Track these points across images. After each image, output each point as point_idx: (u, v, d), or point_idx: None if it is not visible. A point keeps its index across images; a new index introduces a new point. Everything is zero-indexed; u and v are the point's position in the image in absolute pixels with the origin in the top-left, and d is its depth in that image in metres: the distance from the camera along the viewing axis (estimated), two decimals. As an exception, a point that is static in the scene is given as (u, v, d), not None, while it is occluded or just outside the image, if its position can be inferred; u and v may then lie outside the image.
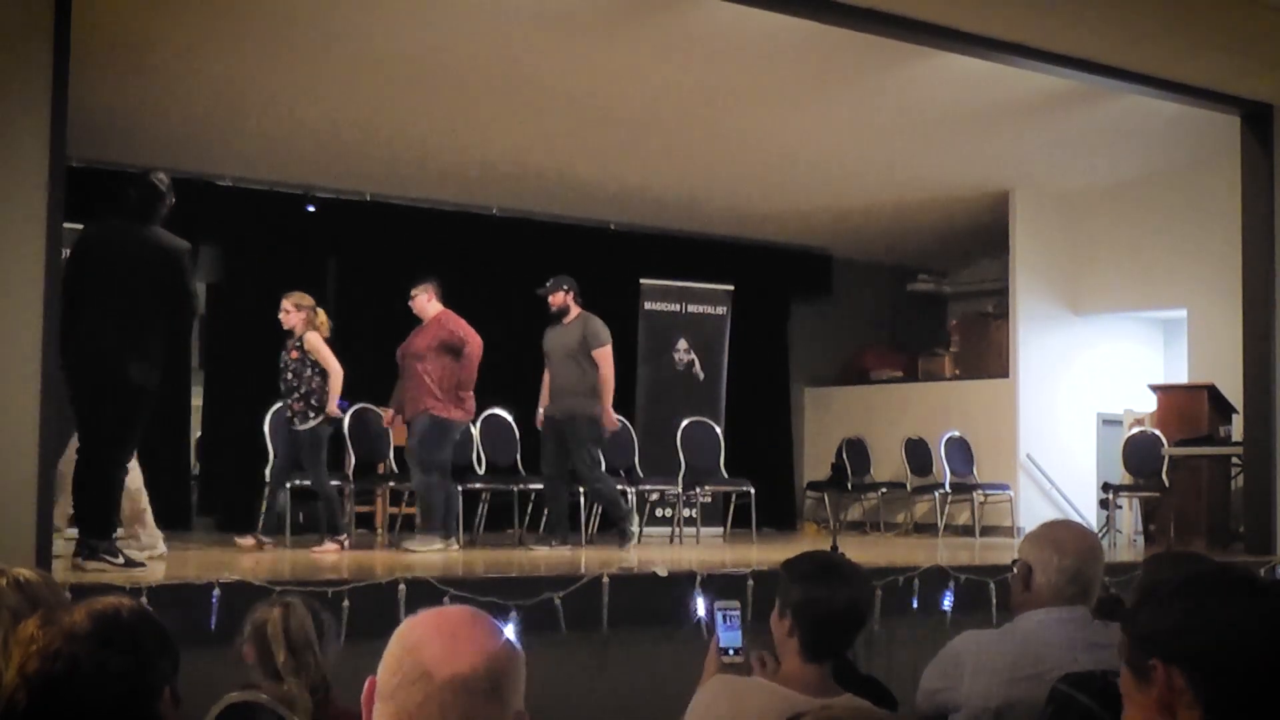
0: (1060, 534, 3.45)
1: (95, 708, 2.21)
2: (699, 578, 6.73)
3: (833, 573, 3.28)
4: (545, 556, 8.37)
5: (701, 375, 12.02)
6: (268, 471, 9.13)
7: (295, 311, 8.82)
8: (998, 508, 12.42)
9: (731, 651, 3.37)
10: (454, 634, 1.86)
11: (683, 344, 12.00)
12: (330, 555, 8.22)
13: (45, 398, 6.18)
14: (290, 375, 8.71)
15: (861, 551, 7.80)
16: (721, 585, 6.64)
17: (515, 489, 9.75)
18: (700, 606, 6.60)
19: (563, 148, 10.99)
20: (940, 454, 12.66)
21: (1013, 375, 12.81)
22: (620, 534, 9.34)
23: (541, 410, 9.45)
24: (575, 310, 9.43)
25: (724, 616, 3.41)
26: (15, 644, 2.31)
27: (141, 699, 2.23)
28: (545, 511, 9.63)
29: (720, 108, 10.25)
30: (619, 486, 9.77)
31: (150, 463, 9.33)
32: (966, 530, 12.49)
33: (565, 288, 9.42)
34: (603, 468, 9.43)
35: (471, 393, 9.01)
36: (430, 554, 8.29)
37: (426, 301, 9.14)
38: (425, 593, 5.96)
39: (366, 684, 1.88)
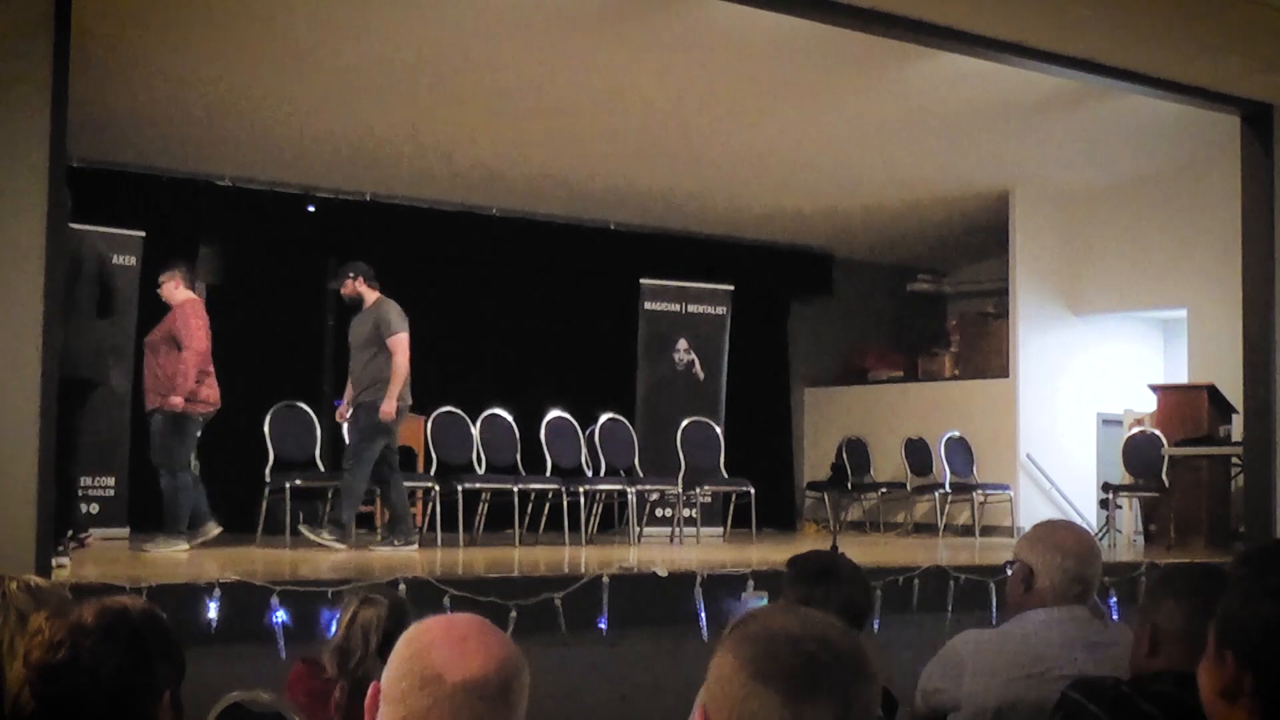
0: (1060, 535, 3.44)
1: (91, 699, 2.22)
2: (699, 578, 6.73)
3: (831, 574, 3.29)
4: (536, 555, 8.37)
5: (701, 375, 12.02)
6: (268, 471, 9.13)
7: None
8: (998, 508, 12.42)
9: None
10: (464, 639, 1.87)
11: (683, 344, 12.00)
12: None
13: (45, 398, 6.17)
14: None
15: (861, 551, 7.80)
16: (723, 586, 6.65)
17: (515, 489, 9.75)
18: (702, 619, 6.59)
19: (563, 148, 10.99)
20: (940, 454, 12.66)
21: (1013, 375, 12.81)
22: (333, 526, 8.76)
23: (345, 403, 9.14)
24: (372, 296, 9.01)
25: (749, 608, 3.42)
26: (23, 636, 2.33)
27: (138, 698, 2.23)
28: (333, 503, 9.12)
29: (720, 108, 10.25)
30: (629, 488, 9.68)
31: (150, 463, 9.35)
32: (966, 530, 12.49)
33: (352, 275, 8.99)
34: (364, 466, 8.80)
35: (205, 384, 8.57)
36: (174, 554, 8.12)
37: (174, 289, 8.67)
38: (425, 593, 5.97)
39: (370, 690, 1.88)
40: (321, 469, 9.50)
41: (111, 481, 9.51)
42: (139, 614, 2.32)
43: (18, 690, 2.34)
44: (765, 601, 3.46)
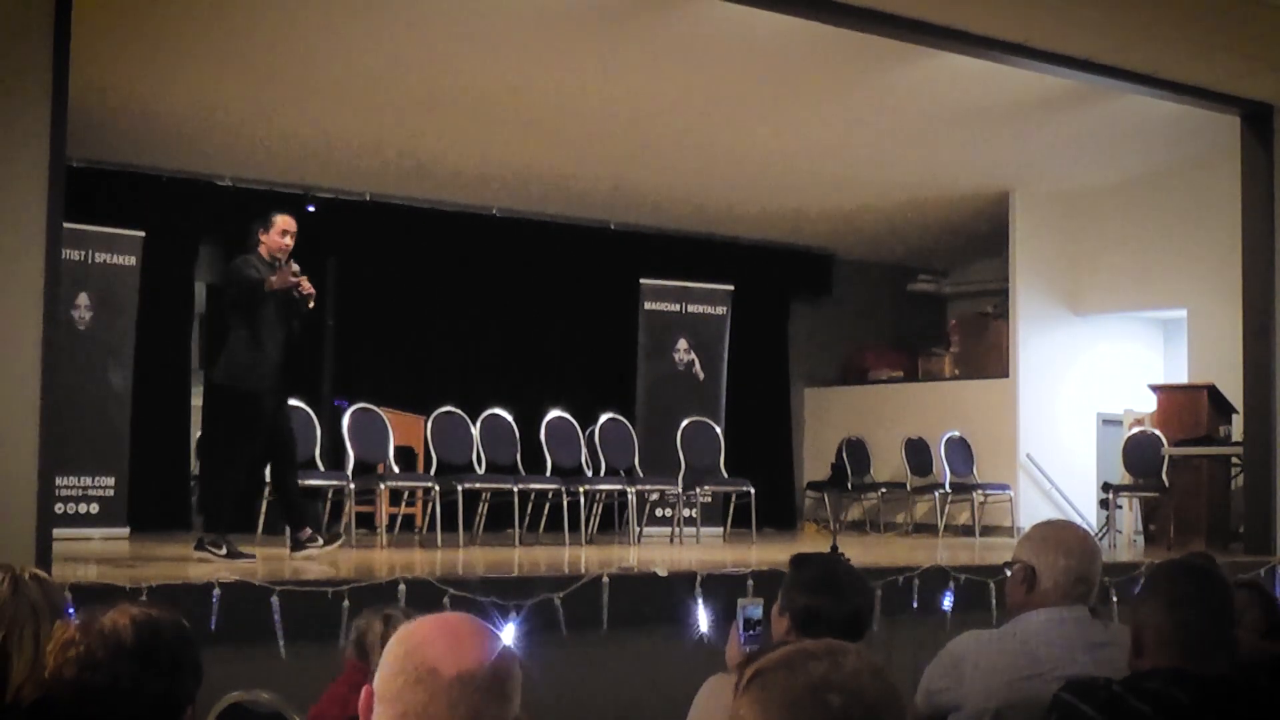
0: (1062, 535, 3.44)
1: (121, 717, 2.23)
2: (699, 578, 6.73)
3: (834, 583, 3.28)
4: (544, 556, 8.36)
5: (701, 375, 12.02)
6: (268, 471, 9.11)
7: None
8: (998, 508, 12.42)
9: (751, 649, 3.38)
10: (457, 634, 1.88)
11: (683, 344, 11.99)
12: None
13: (45, 398, 6.18)
14: None
15: (861, 551, 7.80)
16: (723, 586, 6.64)
17: (515, 489, 9.74)
18: (702, 619, 6.59)
19: (563, 148, 10.99)
20: (940, 454, 12.66)
21: (1013, 375, 12.81)
22: None
23: None
24: None
25: (745, 617, 3.41)
26: (50, 644, 2.33)
27: (166, 716, 2.26)
28: None
29: (720, 108, 10.25)
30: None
31: (150, 463, 9.33)
32: (966, 530, 12.49)
33: None
34: None
35: None
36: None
37: None
38: (425, 593, 5.96)
39: (363, 694, 1.89)
40: (321, 469, 9.48)
41: (111, 481, 9.50)
42: (171, 632, 2.33)
43: (20, 682, 2.36)
44: (760, 610, 3.44)
